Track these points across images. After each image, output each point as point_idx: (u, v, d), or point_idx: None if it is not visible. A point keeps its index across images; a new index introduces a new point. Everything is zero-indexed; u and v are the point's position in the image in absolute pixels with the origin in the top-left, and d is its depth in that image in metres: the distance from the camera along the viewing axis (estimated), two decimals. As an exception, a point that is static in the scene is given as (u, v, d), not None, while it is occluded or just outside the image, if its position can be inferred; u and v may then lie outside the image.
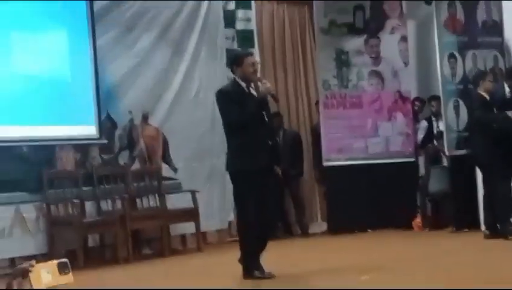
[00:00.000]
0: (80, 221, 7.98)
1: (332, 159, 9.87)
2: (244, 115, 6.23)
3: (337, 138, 9.91)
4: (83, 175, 8.44)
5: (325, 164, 9.86)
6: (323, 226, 10.39)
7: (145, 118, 9.12)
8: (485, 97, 8.11)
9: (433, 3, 9.32)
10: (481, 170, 8.32)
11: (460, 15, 9.31)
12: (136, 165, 9.04)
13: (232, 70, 6.56)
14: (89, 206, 8.45)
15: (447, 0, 9.24)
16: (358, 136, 9.97)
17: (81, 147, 8.63)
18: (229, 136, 6.43)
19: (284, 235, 10.01)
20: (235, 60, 6.55)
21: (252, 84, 6.41)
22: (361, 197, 9.66)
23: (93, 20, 8.81)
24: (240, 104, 6.25)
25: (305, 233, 10.06)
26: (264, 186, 6.30)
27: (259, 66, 9.95)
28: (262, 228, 6.39)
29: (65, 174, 8.41)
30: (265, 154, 6.30)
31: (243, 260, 6.38)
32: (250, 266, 6.33)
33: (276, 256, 6.70)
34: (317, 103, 10.39)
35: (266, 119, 6.39)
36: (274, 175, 6.59)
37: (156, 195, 8.90)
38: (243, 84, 6.39)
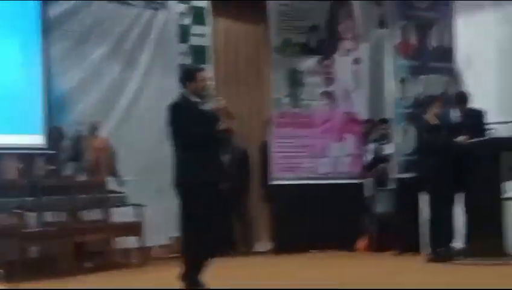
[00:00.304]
0: (20, 231, 7.85)
1: (280, 178, 9.87)
2: (198, 130, 6.22)
3: (287, 156, 9.93)
4: (27, 185, 8.32)
5: (273, 182, 9.85)
6: (269, 245, 10.36)
7: (94, 129, 9.04)
8: (431, 122, 8.19)
9: (387, 26, 9.40)
10: (426, 194, 8.38)
11: (413, 40, 9.43)
12: (83, 177, 8.94)
13: (183, 85, 6.53)
14: (32, 217, 8.32)
15: (400, 24, 9.32)
16: (307, 156, 10.00)
17: (25, 156, 8.51)
18: (178, 150, 6.36)
19: (228, 253, 9.95)
20: (187, 75, 6.51)
21: (204, 100, 6.40)
22: (308, 217, 9.66)
23: (45, 29, 8.74)
24: (191, 119, 6.24)
25: (249, 251, 10.03)
26: (212, 202, 6.27)
27: (212, 82, 10.10)
28: (208, 244, 6.35)
29: (8, 183, 8.28)
30: (216, 170, 6.32)
31: (185, 276, 6.33)
32: (191, 282, 6.28)
33: (218, 273, 6.66)
34: (268, 121, 10.39)
35: (217, 135, 6.38)
36: (220, 191, 6.58)
37: (101, 208, 8.81)
38: (194, 100, 6.39)
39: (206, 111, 6.38)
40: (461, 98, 8.64)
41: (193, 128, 6.22)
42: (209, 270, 6.36)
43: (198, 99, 6.39)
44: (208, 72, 10.22)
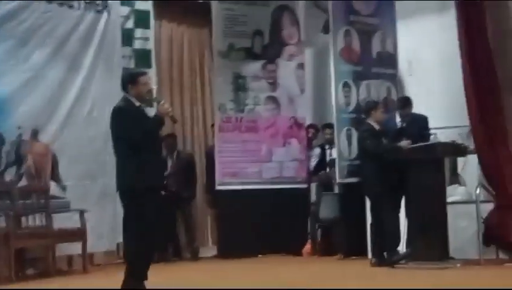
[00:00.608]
0: (-41, 238, 7.67)
1: (226, 183, 9.83)
2: (143, 133, 6.19)
3: (232, 161, 9.91)
4: (-34, 190, 8.14)
5: (218, 187, 9.81)
6: (214, 250, 10.32)
7: (34, 134, 8.87)
8: (373, 127, 8.25)
9: (330, 32, 9.44)
10: (369, 199, 8.44)
11: (356, 45, 9.48)
12: (23, 182, 8.76)
13: (125, 89, 6.46)
14: (-29, 222, 8.15)
15: (343, 29, 9.37)
16: (252, 161, 9.99)
17: (-35, 161, 8.32)
18: (123, 154, 6.31)
19: (173, 258, 9.91)
20: (129, 79, 6.47)
21: (146, 104, 6.38)
22: (253, 222, 9.66)
23: (-15, 31, 8.56)
24: (135, 123, 6.18)
25: (195, 256, 9.95)
26: (154, 207, 6.25)
27: (155, 86, 10.05)
28: (150, 249, 6.36)
29: None
30: (160, 173, 6.30)
31: (127, 282, 6.25)
32: (134, 287, 6.20)
33: (164, 278, 6.62)
34: (213, 126, 10.35)
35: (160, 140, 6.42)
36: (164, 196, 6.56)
37: (43, 213, 8.65)
38: (137, 103, 6.36)
39: (150, 115, 6.36)
40: (404, 103, 8.75)
41: (136, 132, 6.16)
42: (154, 275, 6.30)
43: (140, 103, 6.36)
44: (151, 75, 10.21)
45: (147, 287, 6.22)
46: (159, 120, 6.37)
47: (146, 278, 6.25)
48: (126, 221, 6.39)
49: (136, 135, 6.18)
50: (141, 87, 6.36)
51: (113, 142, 6.46)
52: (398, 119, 8.81)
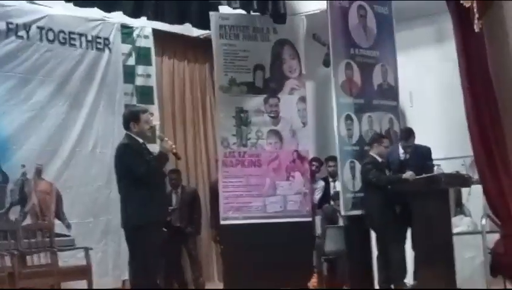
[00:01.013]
0: (-35, 279, 7.64)
1: (230, 218, 9.77)
2: (147, 169, 6.28)
3: (235, 196, 9.85)
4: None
5: (222, 222, 9.77)
6: (220, 286, 10.27)
7: (38, 172, 8.90)
8: (376, 159, 8.26)
9: (331, 65, 9.48)
10: (374, 231, 8.42)
11: (357, 78, 9.50)
12: (28, 221, 8.76)
13: (127, 127, 6.56)
14: (-24, 262, 8.13)
15: (344, 62, 9.42)
16: (256, 195, 9.93)
17: (-31, 201, 8.32)
18: (128, 191, 6.40)
19: (179, 293, 9.91)
20: (131, 117, 6.58)
21: (149, 140, 6.47)
22: (258, 257, 9.56)
23: (-12, 71, 8.62)
24: (139, 160, 6.30)
25: (200, 292, 9.94)
26: (158, 242, 6.39)
27: (158, 122, 10.09)
28: (154, 283, 6.44)
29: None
30: (163, 209, 6.54)
31: None
32: None
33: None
34: (217, 161, 10.34)
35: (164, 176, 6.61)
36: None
37: (48, 252, 8.63)
38: (140, 140, 6.44)
39: (153, 152, 6.41)
40: (407, 134, 8.77)
41: (140, 169, 6.25)
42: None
43: (143, 140, 6.45)
44: (153, 111, 10.26)
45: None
46: (162, 157, 6.47)
47: None
48: (130, 256, 6.49)
49: (140, 172, 6.27)
50: (143, 125, 6.49)
51: (117, 179, 6.55)
52: (401, 150, 8.81)
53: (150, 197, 6.29)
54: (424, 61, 10.07)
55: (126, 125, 6.56)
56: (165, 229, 8.90)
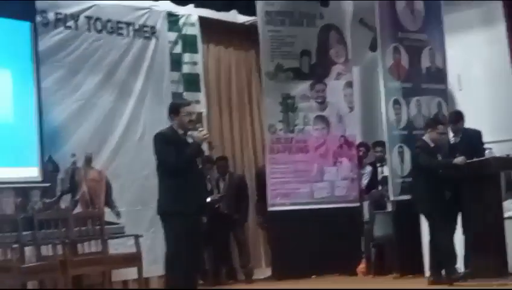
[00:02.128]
0: (18, 267, 7.73)
1: (277, 204, 9.80)
2: (179, 158, 6.41)
3: (283, 182, 9.87)
4: (23, 219, 8.21)
5: (270, 208, 9.79)
6: (268, 272, 10.30)
7: (88, 161, 8.97)
8: (428, 144, 8.16)
9: (378, 49, 9.41)
10: (424, 216, 8.34)
11: (404, 61, 9.41)
12: (78, 209, 8.85)
13: (170, 118, 6.72)
14: (28, 251, 8.24)
15: (391, 46, 9.33)
16: (303, 181, 9.95)
17: (22, 190, 8.43)
18: (161, 179, 6.60)
19: (228, 280, 9.93)
20: (171, 110, 6.74)
21: (189, 133, 6.59)
22: (306, 242, 9.60)
23: (37, 61, 8.71)
24: (176, 148, 6.45)
25: (249, 278, 9.94)
26: (194, 229, 6.49)
27: (204, 110, 10.13)
28: (191, 270, 6.58)
29: (4, 218, 8.15)
30: (197, 198, 6.52)
31: None
32: None
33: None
34: (264, 147, 10.34)
35: (200, 165, 6.64)
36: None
37: (98, 240, 8.72)
38: (180, 132, 6.61)
39: (189, 142, 6.55)
40: (456, 117, 8.64)
41: (171, 158, 6.43)
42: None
43: (183, 132, 6.60)
44: (200, 99, 10.30)
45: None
46: (196, 147, 6.57)
47: None
48: (166, 241, 6.66)
49: (168, 161, 6.47)
50: (183, 118, 6.61)
51: (156, 167, 6.68)
52: (450, 134, 8.70)
53: (179, 186, 6.43)
54: (472, 44, 9.93)
55: (169, 116, 6.74)
56: (205, 219, 9.04)
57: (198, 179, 6.61)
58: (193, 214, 6.49)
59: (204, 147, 7.54)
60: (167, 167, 6.49)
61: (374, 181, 9.93)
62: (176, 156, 6.40)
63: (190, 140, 6.62)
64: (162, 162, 6.53)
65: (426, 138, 8.19)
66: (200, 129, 6.63)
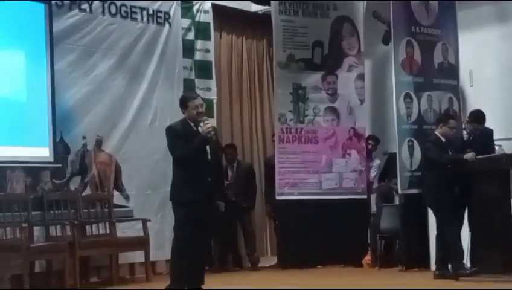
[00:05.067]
0: (27, 246, 7.79)
1: (285, 194, 9.85)
2: (186, 150, 6.63)
3: (291, 172, 9.92)
4: (33, 199, 8.28)
5: (278, 198, 9.84)
6: (273, 260, 10.34)
7: (98, 144, 9.03)
8: (440, 138, 8.18)
9: (391, 43, 9.42)
10: (432, 210, 8.37)
11: (417, 56, 9.42)
12: (88, 192, 8.91)
13: (182, 111, 6.91)
14: (37, 231, 8.29)
15: (404, 40, 9.34)
16: (312, 172, 9.99)
17: (32, 170, 8.46)
18: (174, 169, 6.86)
19: (233, 268, 9.98)
20: (180, 103, 6.94)
21: (201, 124, 6.74)
22: (313, 233, 9.65)
23: (51, 43, 8.72)
24: (185, 141, 6.65)
25: (254, 266, 9.98)
26: (201, 218, 6.65)
27: (215, 97, 10.15)
28: (198, 258, 6.76)
29: (14, 197, 8.20)
30: (204, 188, 6.67)
31: (170, 284, 6.76)
32: (175, 287, 6.72)
33: (223, 287, 6.74)
34: (273, 136, 10.37)
35: (209, 156, 6.79)
36: (213, 208, 7.30)
37: (107, 222, 8.79)
38: (191, 124, 6.80)
39: (197, 134, 6.71)
40: (480, 118, 8.66)
41: (179, 150, 6.69)
42: (215, 283, 6.43)
43: (192, 124, 6.78)
44: (211, 86, 10.33)
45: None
46: (203, 139, 6.70)
47: (191, 286, 6.69)
48: (174, 228, 6.94)
49: (176, 153, 6.74)
50: (191, 111, 6.78)
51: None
52: (464, 132, 8.73)
53: (186, 177, 6.67)
54: (485, 41, 9.93)
55: (180, 109, 6.94)
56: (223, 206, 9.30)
57: (206, 170, 6.74)
58: (201, 203, 6.63)
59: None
60: (175, 158, 6.78)
61: (382, 174, 10.00)
62: (183, 148, 6.63)
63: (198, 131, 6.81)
64: (172, 153, 6.80)
65: (438, 132, 8.22)
66: (206, 122, 6.72)
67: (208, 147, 6.77)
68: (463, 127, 8.99)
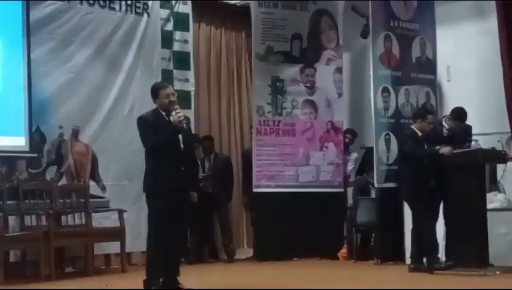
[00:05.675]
0: (2, 235, 7.74)
1: (262, 186, 9.86)
2: (157, 140, 6.59)
3: (268, 164, 9.93)
4: (8, 188, 8.22)
5: (255, 190, 9.84)
6: (250, 252, 10.35)
7: (75, 134, 8.98)
8: (416, 132, 8.21)
9: (369, 36, 9.44)
10: (408, 204, 8.41)
11: (395, 50, 9.46)
12: (64, 182, 8.86)
13: (153, 101, 6.85)
14: (12, 220, 8.24)
15: (383, 34, 9.36)
16: (289, 164, 10.00)
17: (8, 159, 8.41)
18: (146, 159, 6.77)
19: (209, 259, 9.98)
20: (152, 93, 6.90)
21: (173, 113, 6.68)
22: (289, 225, 9.68)
23: (28, 31, 8.65)
24: (157, 130, 6.62)
25: (231, 258, 9.98)
26: (175, 209, 6.62)
27: (193, 89, 10.12)
28: (171, 248, 6.70)
29: (-12, 186, 8.16)
30: (176, 178, 6.61)
31: (146, 282, 6.69)
32: (151, 279, 6.66)
33: (199, 279, 6.72)
34: (251, 128, 10.37)
35: (182, 145, 6.73)
36: (186, 198, 7.10)
37: (82, 213, 8.75)
38: (163, 113, 6.75)
39: (169, 123, 6.65)
40: (461, 115, 8.70)
41: (149, 140, 6.64)
42: (190, 275, 6.42)
43: (164, 113, 6.73)
44: (189, 78, 10.29)
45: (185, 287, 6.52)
46: (172, 129, 6.65)
47: (166, 277, 6.63)
48: (148, 219, 6.90)
49: (146, 144, 6.68)
50: (163, 100, 6.74)
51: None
52: (444, 128, 8.78)
53: (157, 167, 6.62)
54: (463, 36, 9.97)
55: (152, 99, 6.88)
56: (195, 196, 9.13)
57: (178, 159, 6.68)
58: (174, 193, 6.60)
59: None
60: (146, 148, 6.71)
61: (359, 167, 10.04)
62: (154, 138, 6.59)
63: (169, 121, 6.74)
64: (143, 144, 6.74)
65: (415, 126, 8.25)
66: (178, 111, 6.66)
67: (180, 137, 6.71)
68: (443, 123, 9.02)
